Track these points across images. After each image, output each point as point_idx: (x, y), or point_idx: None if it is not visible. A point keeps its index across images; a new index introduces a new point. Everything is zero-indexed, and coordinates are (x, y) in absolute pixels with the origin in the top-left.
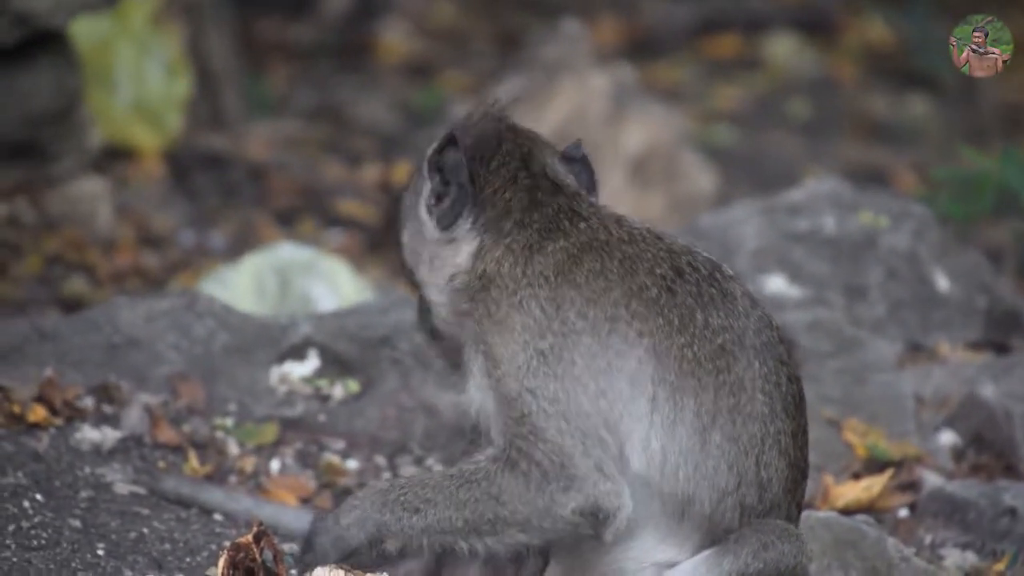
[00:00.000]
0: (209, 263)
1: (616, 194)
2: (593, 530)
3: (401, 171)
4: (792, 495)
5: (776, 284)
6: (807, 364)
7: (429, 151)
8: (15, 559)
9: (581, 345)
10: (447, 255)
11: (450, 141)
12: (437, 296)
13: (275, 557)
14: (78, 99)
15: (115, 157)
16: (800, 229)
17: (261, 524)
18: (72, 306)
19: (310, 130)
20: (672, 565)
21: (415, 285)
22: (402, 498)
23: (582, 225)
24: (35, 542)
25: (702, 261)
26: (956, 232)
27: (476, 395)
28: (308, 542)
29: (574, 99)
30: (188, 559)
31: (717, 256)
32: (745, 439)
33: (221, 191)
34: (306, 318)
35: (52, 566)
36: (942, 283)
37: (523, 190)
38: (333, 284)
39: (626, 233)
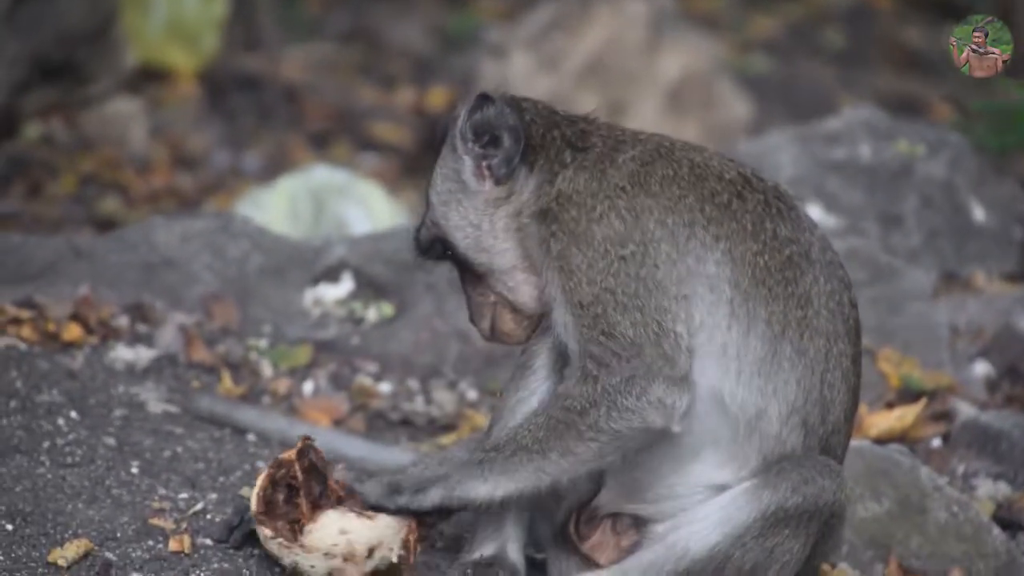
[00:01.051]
0: (243, 185)
1: (651, 122)
2: (665, 419)
3: (435, 95)
4: (849, 423)
5: (812, 213)
6: None
7: (460, 121)
8: (50, 476)
9: (662, 253)
10: (509, 206)
11: (484, 99)
12: (500, 255)
13: (323, 466)
14: (113, 19)
15: (150, 78)
16: (836, 158)
17: (308, 438)
18: (106, 226)
19: (344, 53)
20: (724, 489)
21: (475, 274)
22: (502, 467)
23: (641, 136)
24: (69, 459)
25: (761, 176)
26: (992, 163)
27: (560, 318)
28: (394, 486)
29: (610, 26)
30: (221, 478)
31: None
32: (812, 353)
33: (255, 113)
34: (340, 241)
35: (87, 483)
36: (978, 213)
37: (567, 125)
38: (367, 207)
39: (685, 143)
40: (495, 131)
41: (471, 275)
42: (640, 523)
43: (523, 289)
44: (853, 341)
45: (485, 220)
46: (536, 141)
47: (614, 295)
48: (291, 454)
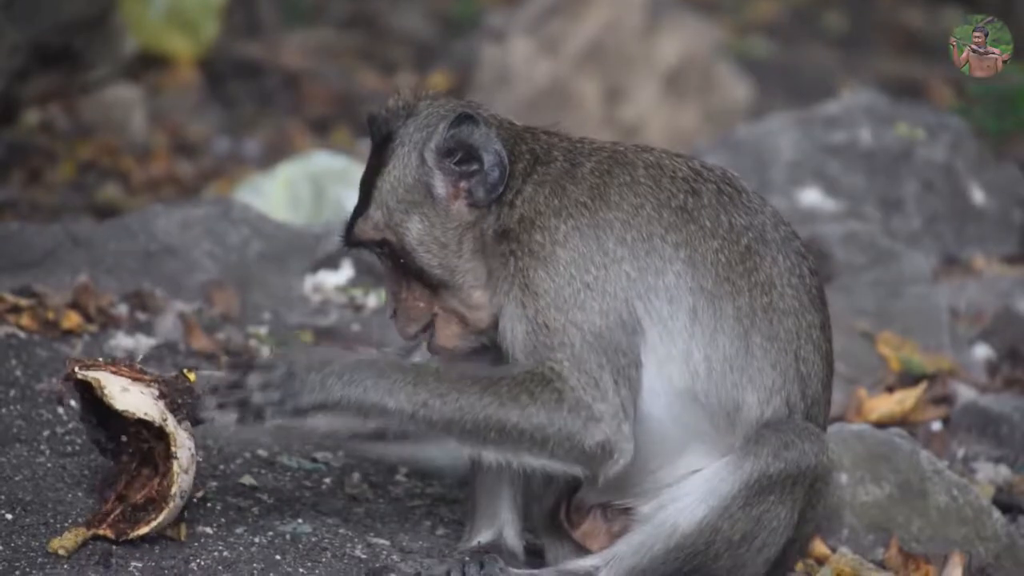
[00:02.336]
0: (243, 171)
1: (650, 106)
2: (598, 467)
3: (436, 80)
4: (827, 390)
5: (811, 197)
6: (841, 276)
7: (435, 138)
8: (50, 464)
9: (622, 274)
10: (477, 227)
11: (463, 118)
12: (463, 274)
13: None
14: (112, 6)
15: (149, 64)
16: (836, 141)
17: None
18: (105, 213)
19: (345, 38)
20: None
21: (424, 283)
22: (411, 386)
23: (595, 145)
24: (69, 448)
25: (709, 165)
26: (992, 146)
27: (509, 327)
28: (285, 367)
29: (609, 10)
30: (222, 466)
31: (752, 168)
32: (783, 335)
33: (255, 99)
34: (341, 227)
35: (86, 472)
36: (978, 196)
37: (532, 139)
38: None
39: (635, 145)
40: (475, 152)
41: (415, 282)
42: (630, 509)
43: (480, 307)
44: (819, 308)
45: (453, 240)
46: (510, 156)
47: (580, 330)
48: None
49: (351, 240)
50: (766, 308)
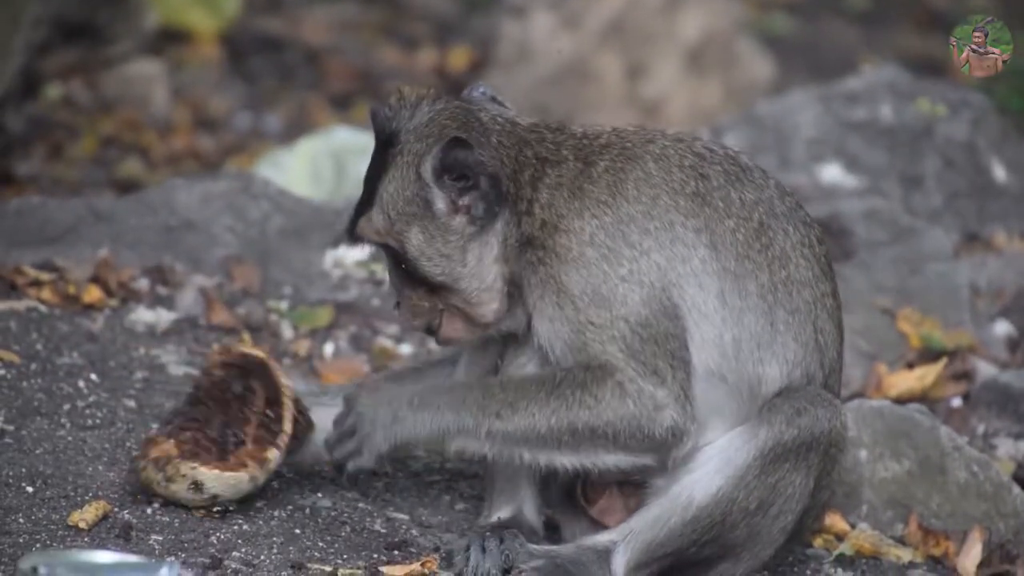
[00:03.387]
0: (264, 146)
1: (672, 82)
2: (667, 452)
3: (457, 56)
4: (841, 358)
5: (832, 173)
6: (862, 253)
7: (432, 159)
8: (70, 438)
9: (653, 264)
10: (484, 238)
11: (455, 143)
12: (468, 280)
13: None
14: None
15: (171, 39)
16: (857, 118)
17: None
18: (127, 187)
19: (366, 14)
20: None
21: (428, 285)
22: (479, 403)
23: (602, 140)
24: (90, 421)
25: (709, 143)
26: (1014, 123)
27: (544, 329)
28: (349, 434)
29: None
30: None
31: (773, 144)
32: (802, 307)
33: (277, 74)
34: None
35: (107, 446)
36: (999, 173)
37: (537, 141)
38: None
39: (637, 136)
40: (469, 172)
41: (418, 282)
42: (646, 485)
43: (486, 305)
44: (829, 276)
45: (455, 250)
46: (510, 167)
47: (628, 323)
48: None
49: (354, 236)
50: (785, 281)
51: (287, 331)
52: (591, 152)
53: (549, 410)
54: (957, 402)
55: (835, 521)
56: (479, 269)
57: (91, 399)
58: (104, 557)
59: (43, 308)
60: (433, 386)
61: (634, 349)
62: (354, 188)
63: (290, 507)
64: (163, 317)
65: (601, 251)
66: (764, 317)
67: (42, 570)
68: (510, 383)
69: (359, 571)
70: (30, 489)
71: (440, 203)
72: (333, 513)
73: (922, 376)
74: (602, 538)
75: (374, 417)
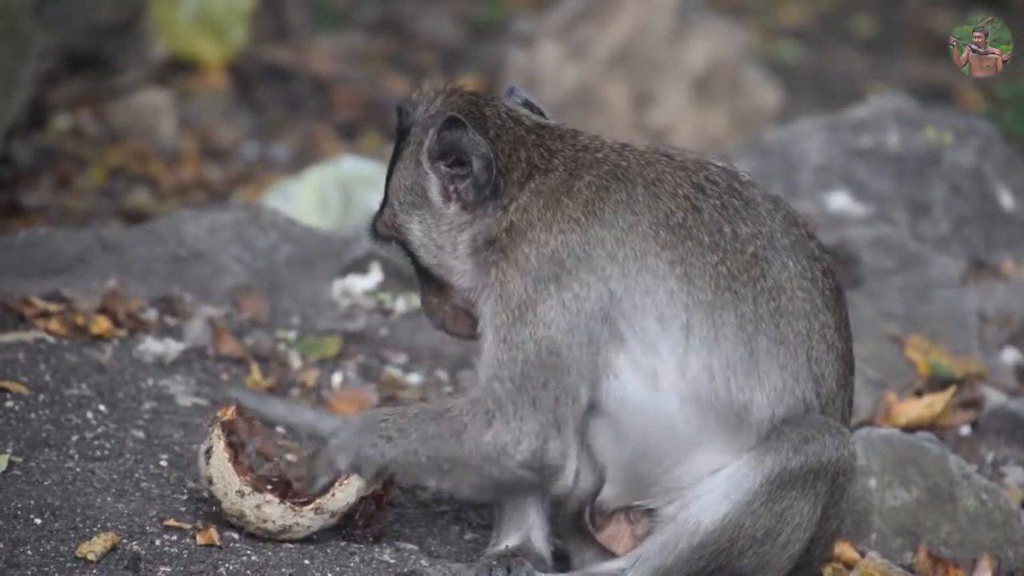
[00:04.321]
0: (272, 176)
1: (679, 110)
2: (540, 483)
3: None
4: (844, 389)
5: (839, 201)
6: (869, 280)
7: (428, 140)
8: (79, 469)
9: (606, 292)
10: (471, 230)
11: (451, 122)
12: (460, 275)
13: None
14: (142, 11)
15: (178, 69)
16: (864, 145)
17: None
18: (135, 218)
19: (373, 43)
20: None
21: (434, 280)
22: (382, 425)
23: (599, 155)
24: (98, 452)
25: (718, 173)
26: (1021, 150)
27: (482, 334)
28: (319, 450)
29: (637, 14)
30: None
31: (780, 172)
32: (792, 338)
33: (284, 104)
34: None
35: (115, 476)
36: (1006, 200)
37: (533, 145)
38: None
39: (640, 157)
40: (464, 156)
41: (428, 278)
42: (653, 511)
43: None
44: (834, 309)
45: (448, 242)
46: (502, 163)
47: (538, 346)
48: (230, 414)
49: (375, 235)
50: (773, 313)
51: (295, 361)
52: (580, 165)
53: (427, 440)
54: (966, 430)
55: (844, 549)
56: (467, 264)
57: (99, 430)
58: None
59: (51, 339)
60: (377, 413)
61: (526, 376)
62: (361, 217)
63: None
64: (171, 348)
65: (556, 270)
66: (743, 346)
67: None
68: (411, 409)
69: None
70: (38, 521)
71: (435, 189)
72: (342, 543)
73: (931, 404)
74: (611, 566)
75: (330, 443)
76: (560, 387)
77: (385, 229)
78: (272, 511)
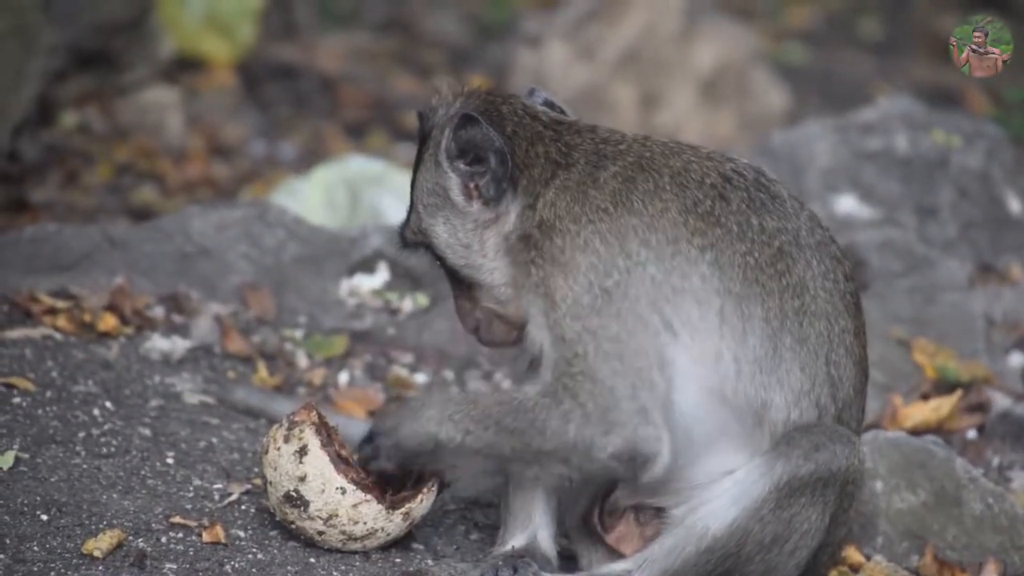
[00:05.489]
0: (279, 174)
1: (686, 112)
2: (631, 473)
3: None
4: (860, 395)
5: (847, 203)
6: (877, 283)
7: (444, 140)
8: (85, 466)
9: (647, 277)
10: (498, 227)
11: (466, 120)
12: (489, 273)
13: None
14: (150, 9)
15: (186, 67)
16: (872, 148)
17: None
18: (142, 215)
19: (381, 42)
20: None
21: (464, 283)
22: (456, 416)
23: (622, 147)
24: (105, 449)
25: (744, 167)
26: None
27: (536, 336)
28: (368, 440)
29: (646, 15)
30: (256, 469)
31: (788, 174)
32: (813, 339)
33: (292, 102)
34: (376, 231)
35: (122, 474)
36: (1014, 204)
37: (551, 140)
38: (403, 197)
39: (664, 148)
40: (480, 152)
41: (458, 281)
42: (662, 512)
43: (511, 303)
44: (853, 315)
45: (475, 240)
46: (520, 159)
47: (595, 338)
48: (315, 416)
49: (403, 243)
50: (797, 311)
51: (302, 360)
52: (604, 156)
53: (507, 433)
54: (972, 434)
55: (851, 553)
56: (498, 261)
57: (106, 427)
58: None
59: (58, 336)
60: (439, 399)
61: (594, 368)
62: (369, 216)
63: (304, 536)
64: (178, 345)
65: (591, 259)
66: (768, 341)
67: None
68: (484, 400)
69: None
70: (45, 517)
71: (456, 188)
72: None
73: (937, 408)
74: (617, 567)
75: (382, 426)
76: (632, 373)
77: (412, 235)
78: (368, 511)
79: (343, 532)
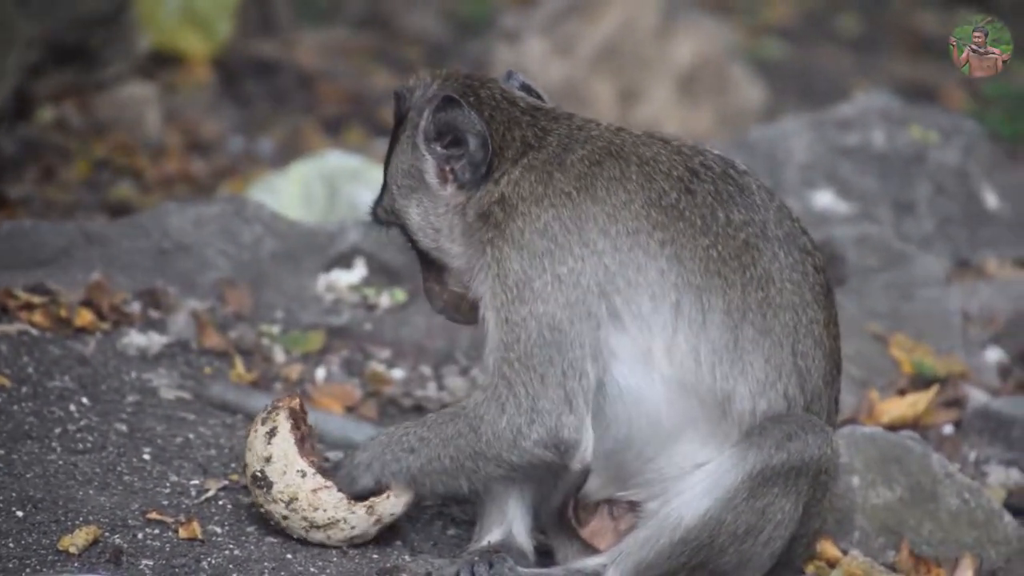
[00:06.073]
0: (257, 170)
1: (664, 107)
2: (560, 460)
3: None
4: (830, 387)
5: (824, 199)
6: (853, 279)
7: (423, 121)
8: (61, 462)
9: (601, 267)
10: (469, 210)
11: (446, 102)
12: (456, 256)
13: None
14: (127, 3)
15: (163, 62)
16: (849, 144)
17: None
18: (119, 211)
19: (359, 38)
20: None
21: (433, 265)
22: (404, 438)
23: (594, 133)
24: (81, 445)
25: (714, 159)
26: (1006, 149)
27: (485, 315)
28: (339, 466)
29: (623, 11)
30: (233, 465)
31: (765, 170)
32: (778, 330)
33: (270, 98)
34: (353, 226)
35: (98, 470)
36: (991, 200)
37: (528, 125)
38: None
39: (636, 138)
40: (460, 134)
41: (428, 263)
42: (636, 507)
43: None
44: (824, 305)
45: (445, 224)
46: (496, 143)
47: (539, 323)
48: (296, 403)
49: (375, 218)
50: (761, 302)
51: (279, 355)
52: (575, 140)
53: (447, 441)
54: (949, 429)
55: (827, 547)
56: (463, 245)
57: (82, 423)
58: None
59: (34, 331)
60: (403, 425)
61: (531, 355)
62: (346, 212)
63: (281, 532)
64: (155, 341)
65: (548, 244)
66: (729, 333)
67: None
68: (430, 417)
69: None
70: (20, 513)
71: (431, 171)
72: None
73: (914, 403)
74: (592, 562)
75: (352, 457)
76: (566, 362)
77: (384, 214)
78: (328, 499)
79: (304, 519)
